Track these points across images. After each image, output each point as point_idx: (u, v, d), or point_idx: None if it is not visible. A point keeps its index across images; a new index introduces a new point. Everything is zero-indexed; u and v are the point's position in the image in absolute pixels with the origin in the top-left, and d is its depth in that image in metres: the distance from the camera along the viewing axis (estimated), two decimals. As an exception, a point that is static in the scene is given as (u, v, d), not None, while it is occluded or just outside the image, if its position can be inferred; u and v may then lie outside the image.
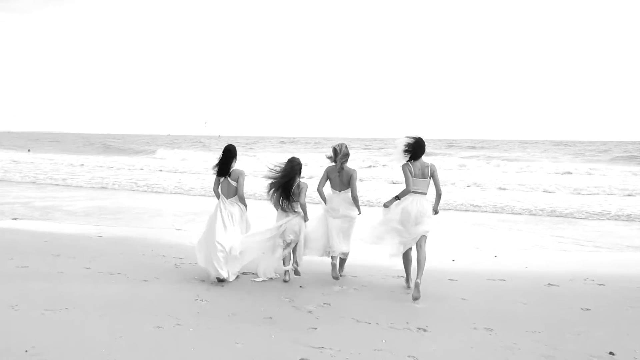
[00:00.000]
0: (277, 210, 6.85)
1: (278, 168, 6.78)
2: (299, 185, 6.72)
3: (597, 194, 16.79)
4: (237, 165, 6.88)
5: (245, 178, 6.89)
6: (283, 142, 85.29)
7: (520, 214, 12.26)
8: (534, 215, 12.08)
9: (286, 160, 6.82)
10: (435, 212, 6.47)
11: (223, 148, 6.89)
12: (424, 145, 6.42)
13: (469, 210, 12.63)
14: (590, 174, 25.25)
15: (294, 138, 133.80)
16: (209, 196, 16.39)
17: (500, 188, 18.26)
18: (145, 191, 18.63)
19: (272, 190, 6.75)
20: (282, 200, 6.70)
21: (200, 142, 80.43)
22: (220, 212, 6.65)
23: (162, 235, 9.65)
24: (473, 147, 58.76)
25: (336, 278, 6.77)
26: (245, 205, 6.91)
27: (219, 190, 6.84)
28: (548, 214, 12.23)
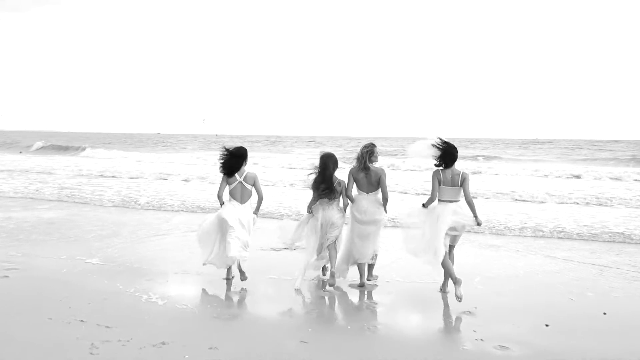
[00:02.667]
0: (314, 204, 6.73)
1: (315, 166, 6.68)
2: (339, 183, 6.60)
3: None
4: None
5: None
6: (276, 141, 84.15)
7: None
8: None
9: (320, 156, 6.72)
10: (478, 223, 6.28)
11: (230, 151, 6.66)
12: (456, 153, 6.31)
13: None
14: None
15: (296, 137, 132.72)
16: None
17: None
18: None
19: (313, 186, 6.64)
20: (324, 193, 6.57)
21: (167, 141, 79.32)
22: (229, 219, 6.52)
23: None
24: (465, 147, 57.58)
25: (362, 285, 6.72)
26: (258, 209, 6.93)
27: (230, 194, 6.70)
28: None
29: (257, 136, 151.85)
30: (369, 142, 6.80)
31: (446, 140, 6.32)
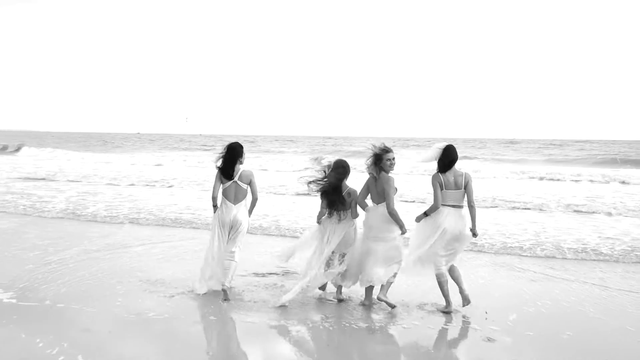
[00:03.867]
0: (322, 217, 6.21)
1: (325, 170, 6.11)
2: (349, 193, 6.04)
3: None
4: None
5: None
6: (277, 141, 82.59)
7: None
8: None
9: (333, 162, 6.14)
10: (474, 234, 5.87)
11: (227, 146, 6.26)
12: (455, 153, 5.94)
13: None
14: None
15: (291, 137, 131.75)
16: None
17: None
18: None
19: (321, 194, 6.14)
20: (333, 205, 6.05)
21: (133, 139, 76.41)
22: (221, 223, 6.21)
23: None
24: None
25: (364, 304, 6.06)
26: (252, 210, 6.47)
27: (222, 194, 6.27)
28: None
29: (245, 136, 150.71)
30: (383, 144, 6.03)
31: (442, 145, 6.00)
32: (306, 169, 6.29)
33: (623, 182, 20.71)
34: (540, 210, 13.27)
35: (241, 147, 6.35)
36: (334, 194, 6.03)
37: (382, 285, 5.86)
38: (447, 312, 5.86)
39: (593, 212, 12.96)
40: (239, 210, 6.25)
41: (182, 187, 18.57)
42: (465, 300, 5.88)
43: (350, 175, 6.18)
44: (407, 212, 7.44)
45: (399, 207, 6.00)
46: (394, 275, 5.93)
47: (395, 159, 5.97)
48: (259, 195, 6.42)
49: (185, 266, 7.58)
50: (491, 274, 7.62)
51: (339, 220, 6.09)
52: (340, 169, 6.08)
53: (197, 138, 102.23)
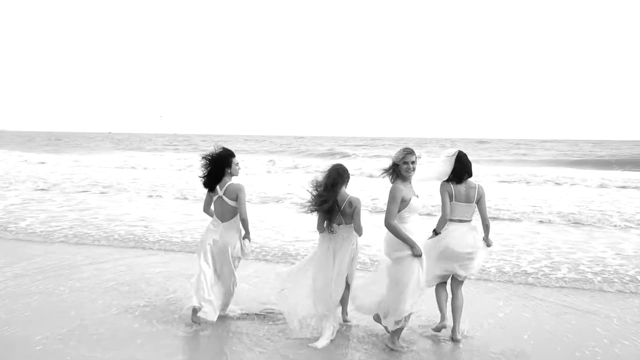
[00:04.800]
0: (320, 233, 5.35)
1: (320, 179, 5.22)
2: (350, 203, 5.11)
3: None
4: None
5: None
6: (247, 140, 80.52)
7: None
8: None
9: (328, 169, 5.27)
10: (488, 244, 5.29)
11: (213, 154, 5.42)
12: (470, 162, 5.27)
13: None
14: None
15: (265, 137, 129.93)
16: None
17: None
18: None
19: (314, 209, 5.20)
20: (330, 220, 5.20)
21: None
22: (204, 243, 5.47)
23: None
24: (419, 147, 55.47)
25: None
26: (248, 231, 5.56)
27: (213, 210, 5.58)
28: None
29: (222, 136, 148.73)
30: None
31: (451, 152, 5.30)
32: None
33: (602, 185, 19.56)
34: (541, 221, 11.82)
35: (229, 155, 5.45)
36: (329, 202, 5.10)
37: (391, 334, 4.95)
38: (439, 328, 5.21)
39: (594, 224, 11.55)
40: (226, 231, 5.44)
41: (139, 192, 16.66)
42: (455, 338, 5.16)
43: (349, 181, 5.29)
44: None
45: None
46: (406, 319, 4.83)
47: (416, 163, 4.87)
48: (247, 216, 5.49)
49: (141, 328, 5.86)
50: (509, 308, 6.12)
51: (340, 235, 5.21)
52: (333, 174, 5.18)
53: (163, 138, 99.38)
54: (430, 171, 5.31)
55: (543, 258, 8.36)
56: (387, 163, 4.97)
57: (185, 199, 15.26)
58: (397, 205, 4.78)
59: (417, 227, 4.92)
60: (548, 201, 14.89)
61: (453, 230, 5.17)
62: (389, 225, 4.78)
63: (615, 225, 11.27)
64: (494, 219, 11.39)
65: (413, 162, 4.83)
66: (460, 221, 5.20)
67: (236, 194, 5.40)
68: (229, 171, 5.44)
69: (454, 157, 5.22)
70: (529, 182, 20.82)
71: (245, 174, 22.90)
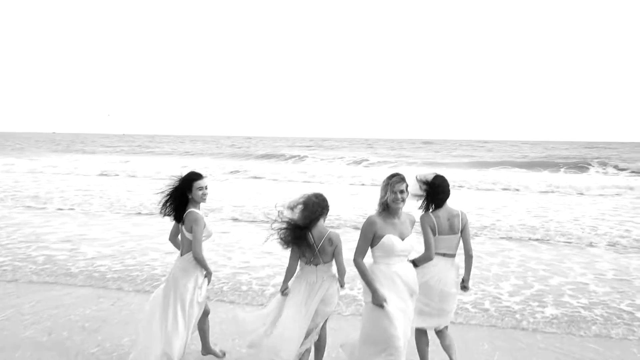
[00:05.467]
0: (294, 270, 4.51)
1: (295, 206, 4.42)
2: (330, 240, 4.31)
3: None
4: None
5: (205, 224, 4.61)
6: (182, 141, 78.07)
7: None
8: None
9: (305, 197, 4.44)
10: (465, 287, 4.65)
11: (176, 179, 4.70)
12: (448, 185, 4.64)
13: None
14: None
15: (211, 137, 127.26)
16: None
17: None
18: None
19: (287, 243, 4.37)
20: (306, 256, 4.38)
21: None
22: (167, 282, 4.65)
23: None
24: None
25: None
26: (208, 271, 4.68)
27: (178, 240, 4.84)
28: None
29: (170, 136, 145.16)
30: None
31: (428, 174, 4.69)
32: (274, 221, 4.43)
33: (546, 192, 19.30)
34: (510, 238, 11.04)
35: (191, 179, 4.66)
36: (303, 238, 4.36)
37: None
38: None
39: (555, 239, 10.90)
40: (180, 267, 4.62)
41: (67, 204, 14.94)
42: None
43: (328, 212, 4.52)
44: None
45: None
46: None
47: (405, 193, 4.18)
48: (202, 253, 4.60)
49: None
50: (496, 354, 5.18)
51: (319, 277, 4.43)
52: (313, 206, 4.41)
53: (108, 138, 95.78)
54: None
55: (522, 286, 7.52)
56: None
57: (117, 213, 13.76)
58: (366, 241, 4.16)
59: (407, 271, 4.16)
60: (499, 211, 14.27)
61: (434, 265, 4.51)
62: (354, 262, 4.18)
63: (580, 238, 10.70)
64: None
65: (402, 192, 4.14)
66: (445, 255, 4.56)
67: (190, 225, 4.58)
68: (191, 197, 4.64)
69: (428, 182, 4.61)
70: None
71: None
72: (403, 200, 4.14)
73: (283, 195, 16.49)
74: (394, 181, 4.14)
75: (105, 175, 25.77)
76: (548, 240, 10.69)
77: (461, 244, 4.61)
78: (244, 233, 10.99)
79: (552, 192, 19.57)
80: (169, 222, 4.82)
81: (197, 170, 4.86)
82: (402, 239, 4.15)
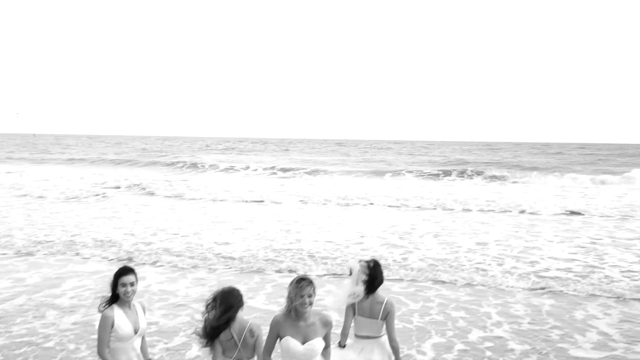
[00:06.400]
0: None
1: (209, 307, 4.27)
2: (252, 331, 4.23)
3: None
4: None
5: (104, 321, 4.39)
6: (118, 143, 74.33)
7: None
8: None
9: (218, 293, 4.29)
10: None
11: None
12: (382, 273, 4.93)
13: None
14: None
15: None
16: None
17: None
18: None
19: (206, 341, 4.22)
20: (227, 353, 4.24)
21: None
22: None
23: None
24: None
25: None
26: None
27: None
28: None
29: (75, 135, 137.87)
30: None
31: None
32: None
33: (457, 210, 20.11)
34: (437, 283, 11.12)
35: (117, 274, 4.49)
36: (221, 333, 4.22)
37: None
38: None
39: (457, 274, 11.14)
40: None
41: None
42: None
43: (242, 306, 4.36)
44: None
45: None
46: None
47: (313, 296, 4.21)
48: (104, 354, 4.42)
49: None
50: None
51: None
52: (227, 300, 4.26)
53: (14, 140, 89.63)
54: (344, 294, 4.87)
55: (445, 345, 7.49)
56: None
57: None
58: (272, 338, 4.25)
59: None
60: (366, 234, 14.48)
61: (357, 349, 4.79)
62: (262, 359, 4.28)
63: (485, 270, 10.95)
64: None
65: (310, 296, 4.18)
66: (368, 337, 4.81)
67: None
68: (117, 294, 4.52)
69: (368, 266, 4.88)
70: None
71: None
72: (311, 304, 4.19)
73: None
74: (302, 286, 4.16)
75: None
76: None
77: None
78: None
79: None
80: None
81: (128, 265, 4.77)
82: (304, 342, 4.17)
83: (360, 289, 4.84)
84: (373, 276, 4.89)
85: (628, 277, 10.62)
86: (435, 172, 36.21)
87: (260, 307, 8.94)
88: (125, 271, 4.54)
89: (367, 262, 4.97)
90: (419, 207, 20.57)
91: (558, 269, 11.25)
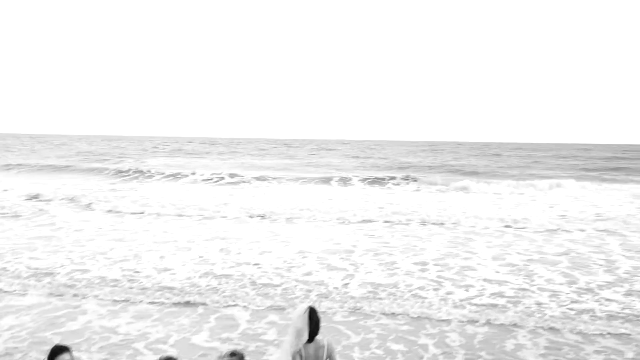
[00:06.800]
0: None
1: None
2: None
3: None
4: None
5: None
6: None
7: None
8: None
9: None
10: None
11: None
12: (319, 321, 5.21)
13: None
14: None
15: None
16: None
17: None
18: None
19: None
20: None
21: None
22: None
23: None
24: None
25: None
26: None
27: None
28: None
29: (22, 135, 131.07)
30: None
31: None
32: None
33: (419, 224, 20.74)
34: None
35: (54, 353, 4.43)
36: None
37: None
38: None
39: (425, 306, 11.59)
40: None
41: None
42: None
43: None
44: None
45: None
46: None
47: None
48: None
49: None
50: None
51: None
52: None
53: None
54: (291, 340, 5.09)
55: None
56: None
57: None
58: None
59: None
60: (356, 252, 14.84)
61: None
62: None
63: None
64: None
65: None
66: None
67: None
68: None
69: (307, 314, 5.15)
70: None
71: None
72: None
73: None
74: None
75: None
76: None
77: None
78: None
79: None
80: None
81: (62, 343, 4.74)
82: None
83: (304, 339, 5.11)
84: (313, 328, 5.19)
85: (555, 302, 11.28)
86: (381, 175, 37.21)
87: (203, 345, 8.93)
88: (60, 349, 4.49)
89: (305, 310, 5.20)
90: (361, 220, 20.99)
91: (491, 294, 11.82)
